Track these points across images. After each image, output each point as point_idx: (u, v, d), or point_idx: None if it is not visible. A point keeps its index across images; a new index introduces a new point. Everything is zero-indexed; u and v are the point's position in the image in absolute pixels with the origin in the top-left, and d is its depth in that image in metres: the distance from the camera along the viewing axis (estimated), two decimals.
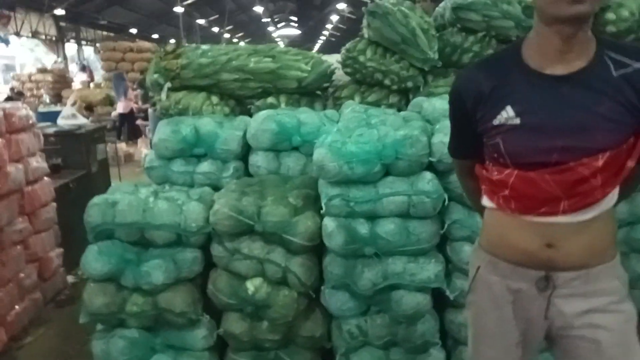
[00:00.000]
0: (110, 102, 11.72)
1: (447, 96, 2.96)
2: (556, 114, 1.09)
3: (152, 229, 2.34)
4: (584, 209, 1.13)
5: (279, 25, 39.17)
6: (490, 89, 1.16)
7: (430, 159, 2.24)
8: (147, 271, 2.30)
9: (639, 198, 2.29)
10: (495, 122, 1.15)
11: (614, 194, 1.16)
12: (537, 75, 1.12)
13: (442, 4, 3.54)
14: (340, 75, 3.55)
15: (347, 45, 3.43)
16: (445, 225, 2.23)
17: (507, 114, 1.13)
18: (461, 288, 2.24)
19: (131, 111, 10.22)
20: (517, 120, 1.12)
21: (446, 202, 2.19)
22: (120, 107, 10.23)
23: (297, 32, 38.26)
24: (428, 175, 2.21)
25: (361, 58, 3.29)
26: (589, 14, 1.03)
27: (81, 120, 6.27)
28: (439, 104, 2.79)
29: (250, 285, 2.28)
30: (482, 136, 1.22)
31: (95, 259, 2.33)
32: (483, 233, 1.34)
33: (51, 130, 4.43)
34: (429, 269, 2.18)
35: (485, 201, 1.29)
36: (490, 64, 1.23)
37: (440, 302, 2.33)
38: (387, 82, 3.25)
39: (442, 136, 2.25)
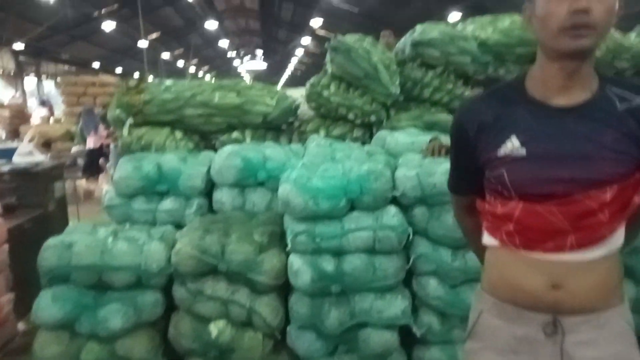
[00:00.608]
0: (70, 137, 11.42)
1: (409, 130, 3.06)
2: (562, 144, 1.08)
3: (111, 271, 2.24)
4: (591, 245, 1.10)
5: (244, 59, 39.57)
6: (493, 118, 1.15)
7: (394, 193, 2.25)
8: (105, 316, 2.19)
9: None
10: (500, 152, 1.12)
11: (621, 232, 1.13)
12: (541, 106, 1.12)
13: (402, 40, 3.64)
14: (305, 109, 3.58)
15: (311, 80, 3.47)
16: (411, 260, 2.22)
17: (513, 144, 1.11)
18: (429, 324, 2.23)
19: (100, 147, 9.99)
20: (523, 151, 1.10)
21: (411, 236, 2.19)
22: (91, 142, 9.99)
23: (263, 65, 38.71)
24: (393, 209, 2.22)
25: (325, 93, 3.33)
26: (591, 49, 1.05)
27: (39, 157, 6.07)
28: (402, 138, 2.84)
29: (214, 328, 2.19)
30: (483, 169, 1.19)
31: (48, 305, 2.21)
32: (485, 275, 1.27)
33: (6, 168, 4.26)
34: (396, 306, 2.16)
35: (487, 239, 1.24)
36: (493, 95, 1.21)
37: (408, 339, 2.30)
38: (351, 116, 3.29)
39: (405, 170, 2.27)
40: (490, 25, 3.47)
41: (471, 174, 1.24)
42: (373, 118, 3.26)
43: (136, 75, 26.53)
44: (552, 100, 1.11)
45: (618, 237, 1.13)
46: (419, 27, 3.43)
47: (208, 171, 2.69)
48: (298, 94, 3.63)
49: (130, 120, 3.26)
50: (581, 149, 1.07)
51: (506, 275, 1.18)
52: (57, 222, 4.29)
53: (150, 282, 2.27)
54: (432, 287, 2.22)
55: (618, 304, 1.16)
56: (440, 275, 2.23)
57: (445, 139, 2.55)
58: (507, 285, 1.18)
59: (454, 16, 13.63)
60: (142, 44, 18.39)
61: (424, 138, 2.70)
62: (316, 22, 17.87)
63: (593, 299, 1.12)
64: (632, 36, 3.48)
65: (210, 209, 2.73)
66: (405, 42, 3.51)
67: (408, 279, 2.29)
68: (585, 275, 1.11)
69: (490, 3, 12.89)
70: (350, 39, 3.33)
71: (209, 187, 2.73)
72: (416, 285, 2.28)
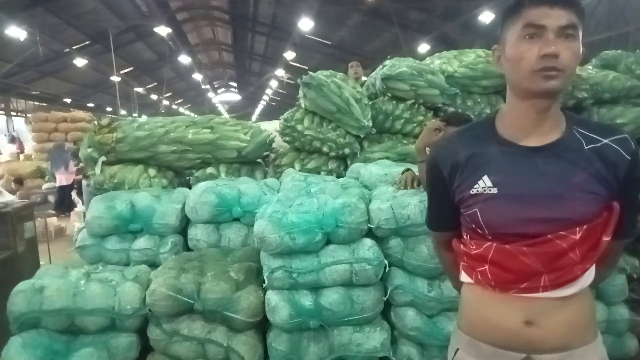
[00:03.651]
0: (41, 174, 11.19)
1: (383, 161, 3.12)
2: (533, 183, 1.11)
3: (83, 314, 2.19)
4: (565, 285, 1.12)
5: (218, 91, 39.73)
6: (466, 159, 1.18)
7: (369, 225, 2.28)
8: None
9: None
10: (473, 191, 1.16)
11: (592, 270, 1.16)
12: (512, 146, 1.15)
13: (372, 74, 3.75)
14: (280, 142, 3.61)
15: (285, 115, 3.52)
16: (388, 292, 2.24)
17: (485, 184, 1.14)
18: (407, 355, 2.23)
19: (72, 182, 9.81)
20: (495, 190, 1.13)
21: (387, 268, 2.21)
22: (62, 179, 9.79)
23: (237, 97, 38.90)
24: (368, 242, 2.24)
25: (299, 127, 3.38)
26: (561, 89, 1.10)
27: (7, 197, 5.91)
28: (375, 170, 2.88)
29: None
30: (459, 207, 1.22)
31: (19, 352, 2.13)
32: (461, 313, 1.29)
33: None
34: (375, 338, 2.16)
35: (464, 277, 1.26)
36: (466, 135, 1.25)
37: None
38: (325, 149, 3.34)
39: (379, 202, 2.31)
40: (456, 59, 3.60)
41: (448, 212, 1.27)
42: (347, 150, 3.32)
43: (109, 109, 26.34)
44: (522, 141, 1.15)
45: (589, 275, 1.16)
46: (388, 62, 3.54)
47: (182, 208, 2.67)
48: (272, 127, 3.66)
49: (102, 158, 3.24)
50: (553, 189, 1.10)
51: (481, 313, 1.20)
52: (27, 263, 4.16)
53: (125, 324, 2.22)
54: (410, 317, 2.23)
55: (591, 340, 1.18)
56: (417, 305, 2.25)
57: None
58: (482, 323, 1.20)
59: (423, 47, 14.03)
60: (115, 78, 18.34)
61: (397, 169, 2.75)
62: (289, 54, 18.16)
63: (567, 336, 1.14)
64: (590, 68, 3.67)
65: (186, 246, 2.70)
66: (375, 75, 3.61)
67: (386, 310, 2.30)
68: (558, 312, 1.13)
69: (455, 35, 13.37)
70: (322, 74, 3.41)
71: (184, 224, 2.72)
72: (394, 316, 2.29)
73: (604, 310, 2.55)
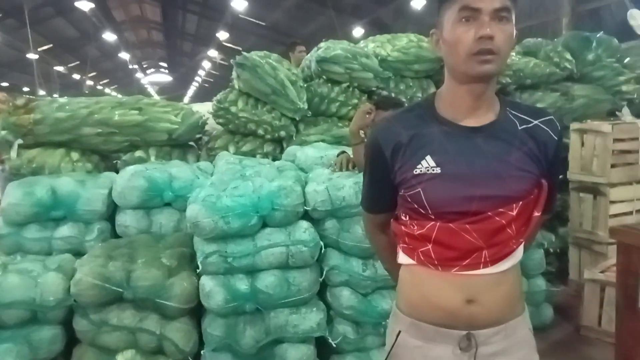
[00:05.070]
0: None
1: (318, 144, 3.12)
2: (474, 162, 1.14)
3: (1, 308, 2.04)
4: (502, 260, 1.16)
5: (147, 72, 38.06)
6: (408, 139, 1.18)
7: (305, 207, 2.28)
8: None
9: None
10: (416, 171, 1.16)
11: (522, 244, 1.20)
12: (453, 126, 1.17)
13: (307, 57, 3.72)
14: (214, 125, 3.52)
15: (218, 97, 3.43)
16: (324, 272, 2.26)
17: (428, 164, 1.15)
18: (343, 333, 2.27)
19: None
20: (438, 170, 1.14)
21: (322, 249, 2.23)
22: None
23: (169, 78, 37.45)
24: (304, 224, 2.24)
25: (233, 109, 3.30)
26: (496, 73, 1.13)
27: None
28: (312, 152, 2.89)
29: (122, 359, 2.07)
30: (399, 188, 1.21)
31: None
32: (401, 294, 1.29)
33: None
34: (311, 318, 2.18)
35: (403, 258, 1.26)
36: (407, 115, 1.24)
37: (324, 350, 2.33)
38: (260, 131, 3.29)
39: (315, 185, 2.31)
40: (389, 43, 3.66)
41: (386, 193, 1.27)
42: (283, 133, 3.29)
43: (26, 89, 24.48)
44: (461, 121, 1.18)
45: (521, 250, 1.22)
46: (323, 44, 3.53)
47: (109, 194, 2.54)
48: (205, 109, 3.56)
49: (19, 141, 3.01)
50: (492, 168, 1.14)
51: (423, 293, 1.22)
52: None
53: (47, 316, 2.10)
54: (345, 297, 2.27)
55: (521, 312, 1.25)
56: (352, 285, 2.29)
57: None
58: (423, 304, 1.22)
59: (357, 31, 14.14)
60: (32, 56, 17.04)
61: (333, 152, 2.77)
62: (223, 35, 17.67)
63: (503, 310, 1.19)
64: (513, 54, 3.85)
65: (114, 234, 2.58)
66: (310, 58, 3.59)
67: (322, 290, 2.32)
68: (496, 288, 1.18)
69: (388, 20, 13.59)
70: (257, 55, 3.34)
71: (112, 210, 2.59)
72: (330, 296, 2.32)
73: (524, 282, 2.73)
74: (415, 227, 1.20)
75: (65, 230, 2.48)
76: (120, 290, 2.05)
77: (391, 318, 1.33)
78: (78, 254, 2.40)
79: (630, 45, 4.40)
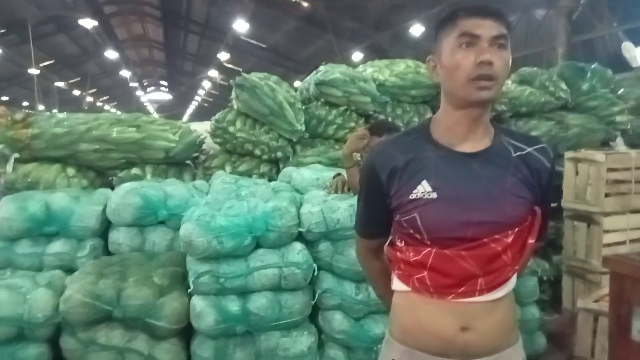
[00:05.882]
0: None
1: (315, 166, 3.14)
2: (470, 187, 1.14)
3: None
4: (498, 287, 1.16)
5: (148, 90, 38.25)
6: (405, 164, 1.18)
7: (300, 229, 2.27)
8: None
9: None
10: (412, 196, 1.15)
11: (516, 273, 1.21)
12: (448, 151, 1.18)
13: (306, 79, 3.76)
14: (211, 144, 3.53)
15: (217, 116, 3.45)
16: (316, 295, 2.24)
17: (424, 189, 1.15)
18: (334, 358, 2.24)
19: None
20: (434, 195, 1.14)
21: (316, 271, 2.22)
22: None
23: (168, 97, 37.64)
24: (298, 245, 2.23)
25: (231, 129, 3.32)
26: (493, 99, 1.15)
27: None
28: (308, 174, 2.89)
29: None
30: (395, 213, 1.20)
31: None
32: (394, 322, 1.27)
33: None
34: (302, 342, 2.16)
35: (398, 285, 1.24)
36: (403, 140, 1.24)
37: None
38: (257, 152, 3.31)
39: (310, 206, 2.31)
40: (387, 68, 3.71)
41: (381, 218, 1.26)
42: (279, 154, 3.30)
43: (25, 103, 24.55)
44: (457, 147, 1.18)
45: (515, 278, 1.22)
46: (322, 68, 3.58)
47: (103, 210, 2.54)
48: (203, 128, 3.58)
49: (15, 155, 3.01)
50: (488, 192, 1.15)
51: (417, 321, 1.20)
52: None
53: (35, 333, 2.07)
54: (337, 321, 2.25)
55: (515, 341, 1.24)
56: (344, 309, 2.27)
57: None
58: (418, 331, 1.20)
59: (356, 56, 14.33)
60: (33, 71, 17.14)
61: (329, 174, 2.78)
62: (223, 55, 17.85)
63: (498, 338, 1.19)
64: (509, 83, 3.91)
65: (106, 251, 2.56)
66: (309, 80, 3.63)
67: (314, 314, 2.30)
68: (491, 315, 1.17)
69: (386, 45, 13.79)
70: (256, 76, 3.38)
71: (105, 228, 2.58)
72: (322, 320, 2.29)
73: (518, 310, 2.70)
74: (411, 254, 1.19)
75: (57, 246, 2.47)
76: (110, 308, 2.03)
77: (384, 345, 1.30)
78: (69, 270, 2.38)
79: (624, 77, 4.48)
